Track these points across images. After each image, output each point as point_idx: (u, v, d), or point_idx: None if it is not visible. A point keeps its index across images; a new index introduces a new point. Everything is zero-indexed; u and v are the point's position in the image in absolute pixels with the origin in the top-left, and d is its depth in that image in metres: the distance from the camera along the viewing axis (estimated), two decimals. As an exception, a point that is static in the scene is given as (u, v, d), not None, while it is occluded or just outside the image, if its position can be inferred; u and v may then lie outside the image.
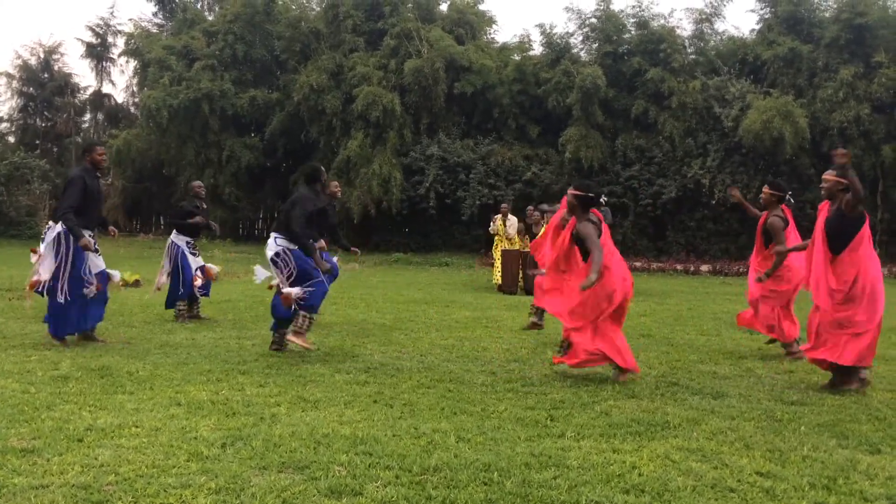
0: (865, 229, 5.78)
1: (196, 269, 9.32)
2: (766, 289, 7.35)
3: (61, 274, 7.08)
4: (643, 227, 24.98)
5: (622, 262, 6.29)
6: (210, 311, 9.70)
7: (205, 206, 9.74)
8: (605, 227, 6.25)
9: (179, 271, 9.24)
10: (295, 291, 6.79)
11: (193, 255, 9.42)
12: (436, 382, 5.81)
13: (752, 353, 7.55)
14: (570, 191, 6.20)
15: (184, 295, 9.22)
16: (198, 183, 9.90)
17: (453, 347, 7.57)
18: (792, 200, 7.62)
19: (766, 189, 7.57)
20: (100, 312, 7.55)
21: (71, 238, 7.08)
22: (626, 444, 4.27)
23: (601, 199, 6.29)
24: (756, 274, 7.46)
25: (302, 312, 6.82)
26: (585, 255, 6.12)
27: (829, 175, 5.90)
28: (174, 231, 9.57)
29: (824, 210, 5.93)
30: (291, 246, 6.86)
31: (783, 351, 7.43)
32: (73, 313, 7.16)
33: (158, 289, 9.63)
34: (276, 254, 6.88)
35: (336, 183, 9.44)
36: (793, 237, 7.41)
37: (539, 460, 3.92)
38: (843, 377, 5.85)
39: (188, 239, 9.43)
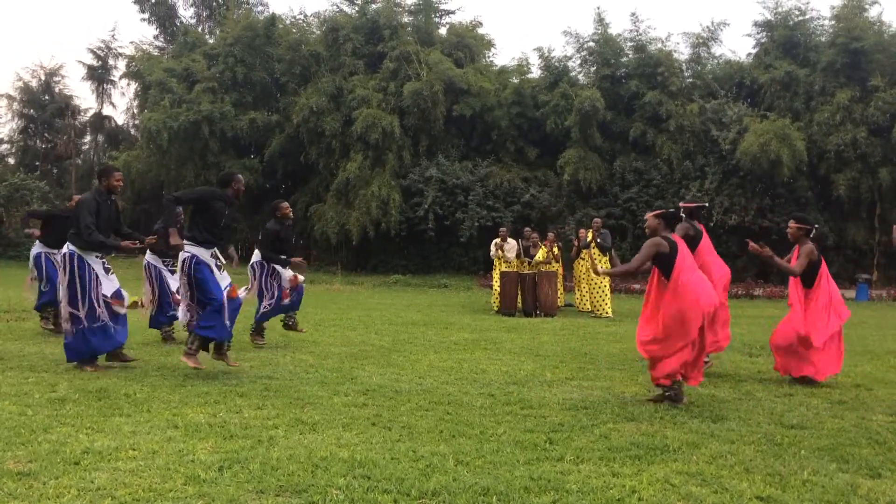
0: None
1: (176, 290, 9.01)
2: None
3: (80, 296, 7.00)
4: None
5: (701, 281, 6.17)
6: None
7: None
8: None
9: (160, 292, 9.02)
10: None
11: (172, 272, 9.07)
12: (434, 405, 5.79)
13: (751, 376, 7.53)
14: (650, 214, 6.35)
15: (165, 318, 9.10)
16: (285, 204, 9.31)
17: (452, 369, 7.54)
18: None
19: (792, 224, 7.45)
20: (124, 331, 7.39)
21: (79, 259, 7.04)
22: (625, 467, 4.25)
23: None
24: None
25: (196, 333, 6.76)
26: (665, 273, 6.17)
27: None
28: (148, 251, 9.08)
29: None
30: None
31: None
32: (95, 338, 7.05)
33: (143, 306, 9.41)
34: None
35: (286, 204, 9.29)
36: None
37: (538, 484, 3.90)
38: None
39: (164, 259, 9.06)
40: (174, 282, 8.90)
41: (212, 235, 6.95)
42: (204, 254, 6.88)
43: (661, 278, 6.18)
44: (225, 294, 6.83)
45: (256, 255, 9.13)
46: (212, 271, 6.87)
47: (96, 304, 7.06)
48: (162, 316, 9.12)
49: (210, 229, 6.93)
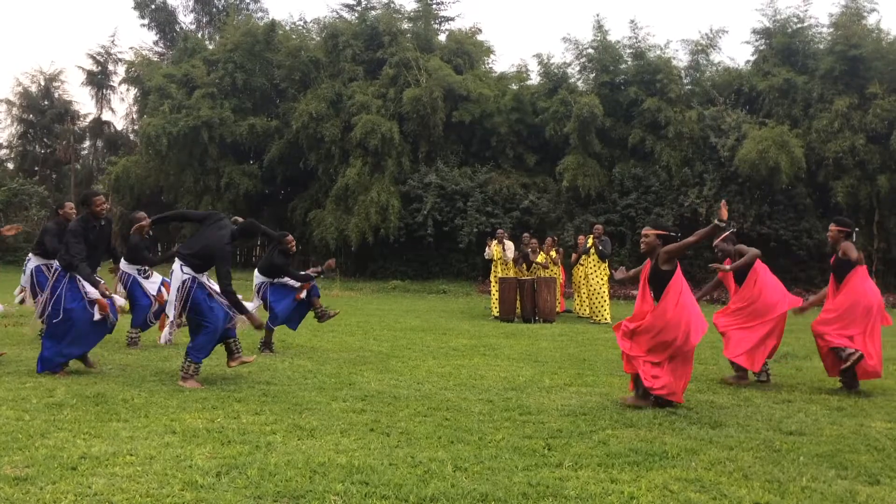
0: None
1: (158, 288, 9.30)
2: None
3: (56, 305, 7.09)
4: (641, 256, 25.00)
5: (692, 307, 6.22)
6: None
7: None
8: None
9: (133, 297, 9.22)
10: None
11: (147, 278, 9.34)
12: (433, 411, 5.78)
13: (749, 383, 7.53)
14: (650, 231, 6.35)
15: (136, 322, 9.26)
16: (142, 214, 9.37)
17: (450, 375, 7.54)
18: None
19: (832, 227, 7.32)
20: (97, 339, 7.47)
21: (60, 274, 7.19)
22: (624, 473, 4.25)
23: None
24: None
25: (189, 358, 6.73)
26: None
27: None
28: (122, 260, 9.31)
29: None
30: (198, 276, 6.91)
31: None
32: (66, 346, 7.14)
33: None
34: (183, 282, 6.86)
35: (290, 237, 9.39)
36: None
37: (537, 490, 3.89)
38: None
39: (138, 266, 9.27)
40: (150, 285, 9.30)
41: (202, 260, 6.99)
42: (201, 277, 6.95)
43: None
44: (222, 319, 6.86)
45: (258, 277, 9.19)
46: (209, 295, 6.88)
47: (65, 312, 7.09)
48: (135, 320, 9.31)
49: (202, 254, 6.98)
